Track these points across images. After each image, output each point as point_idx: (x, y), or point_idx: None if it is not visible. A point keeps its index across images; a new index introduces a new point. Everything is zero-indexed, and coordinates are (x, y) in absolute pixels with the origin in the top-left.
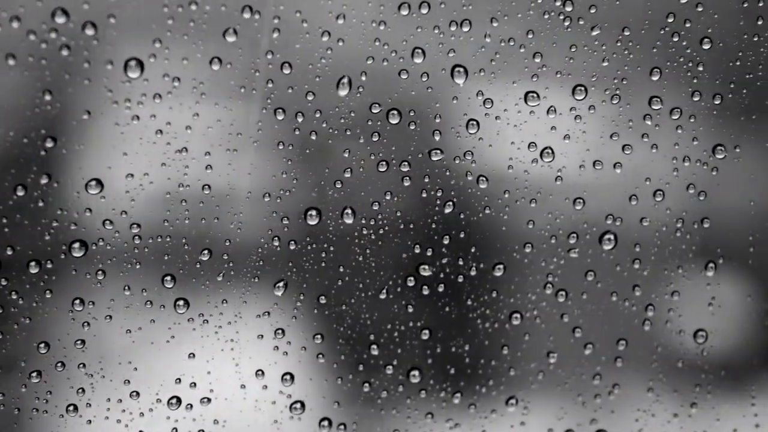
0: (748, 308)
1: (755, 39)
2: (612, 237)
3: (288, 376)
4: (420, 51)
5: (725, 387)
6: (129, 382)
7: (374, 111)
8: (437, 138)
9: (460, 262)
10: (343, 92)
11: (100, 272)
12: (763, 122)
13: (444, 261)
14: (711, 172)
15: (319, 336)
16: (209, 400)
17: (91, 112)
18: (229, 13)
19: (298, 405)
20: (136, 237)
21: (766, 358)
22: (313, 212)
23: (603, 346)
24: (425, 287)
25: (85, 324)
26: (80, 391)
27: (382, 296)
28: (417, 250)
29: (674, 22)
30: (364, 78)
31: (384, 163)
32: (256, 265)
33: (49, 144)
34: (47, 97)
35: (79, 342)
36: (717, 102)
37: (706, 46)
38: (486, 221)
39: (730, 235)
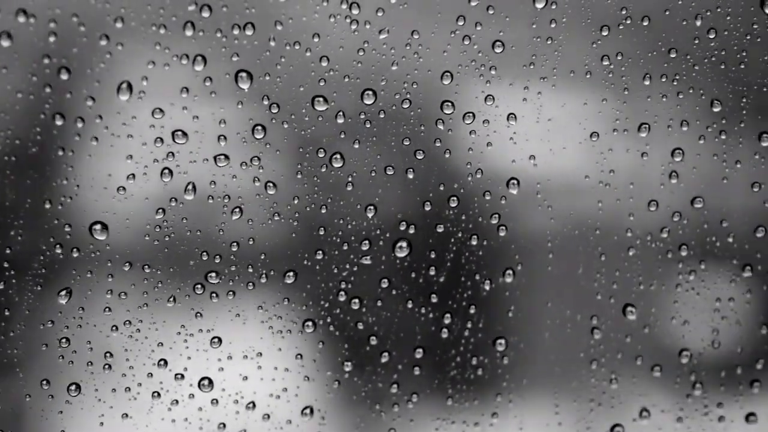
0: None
1: (548, 42)
2: (405, 244)
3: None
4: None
5: (529, 395)
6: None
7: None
8: None
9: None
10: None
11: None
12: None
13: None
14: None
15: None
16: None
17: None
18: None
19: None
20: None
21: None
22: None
23: (400, 354)
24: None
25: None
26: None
27: None
28: None
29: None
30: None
31: None
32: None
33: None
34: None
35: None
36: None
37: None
38: (270, 228)
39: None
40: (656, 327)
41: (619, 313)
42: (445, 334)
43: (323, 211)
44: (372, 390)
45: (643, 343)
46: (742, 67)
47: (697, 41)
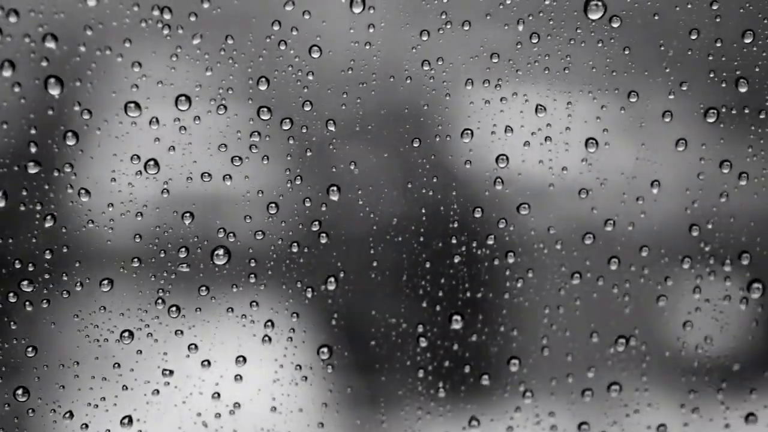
0: None
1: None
2: (222, 252)
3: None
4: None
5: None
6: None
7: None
8: None
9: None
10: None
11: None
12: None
13: None
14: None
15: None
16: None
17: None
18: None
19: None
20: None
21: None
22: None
23: (223, 363)
24: None
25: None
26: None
27: None
28: None
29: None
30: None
31: None
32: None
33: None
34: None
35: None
36: None
37: None
38: (87, 235)
39: None
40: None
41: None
42: (266, 341)
43: (138, 218)
44: (192, 399)
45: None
46: (567, 72)
47: (519, 46)
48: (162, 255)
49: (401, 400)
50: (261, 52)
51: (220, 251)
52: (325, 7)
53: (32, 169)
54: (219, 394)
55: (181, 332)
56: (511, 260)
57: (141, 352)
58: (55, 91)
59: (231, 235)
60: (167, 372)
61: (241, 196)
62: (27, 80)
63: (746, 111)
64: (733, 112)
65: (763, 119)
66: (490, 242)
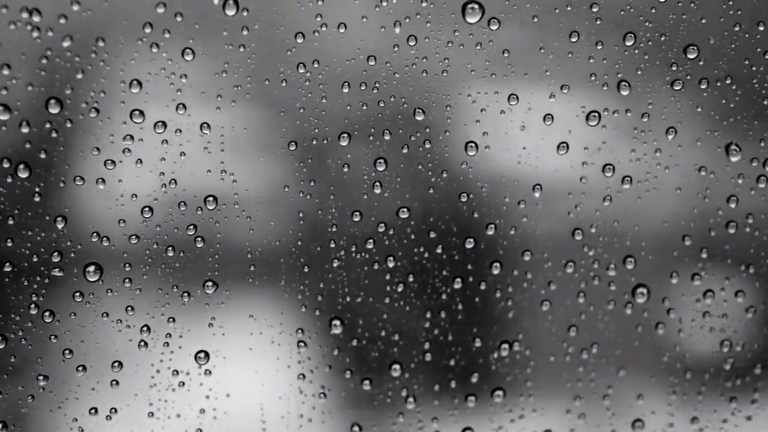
0: None
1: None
2: (93, 269)
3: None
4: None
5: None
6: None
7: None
8: None
9: None
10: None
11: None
12: None
13: None
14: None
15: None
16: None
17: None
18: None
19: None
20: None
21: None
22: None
23: (99, 368)
24: None
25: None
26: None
27: None
28: None
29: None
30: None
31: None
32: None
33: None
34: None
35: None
36: None
37: None
38: None
39: None
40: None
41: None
42: (142, 346)
43: (11, 222)
44: (68, 404)
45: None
46: (445, 74)
47: (397, 48)
48: (35, 259)
49: (281, 405)
50: (133, 55)
51: (91, 268)
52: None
53: None
54: (95, 400)
55: (56, 337)
56: (391, 264)
57: (15, 357)
58: None
59: (105, 239)
60: (42, 377)
61: (114, 199)
62: None
63: (629, 114)
64: (616, 114)
65: (645, 122)
66: (370, 246)
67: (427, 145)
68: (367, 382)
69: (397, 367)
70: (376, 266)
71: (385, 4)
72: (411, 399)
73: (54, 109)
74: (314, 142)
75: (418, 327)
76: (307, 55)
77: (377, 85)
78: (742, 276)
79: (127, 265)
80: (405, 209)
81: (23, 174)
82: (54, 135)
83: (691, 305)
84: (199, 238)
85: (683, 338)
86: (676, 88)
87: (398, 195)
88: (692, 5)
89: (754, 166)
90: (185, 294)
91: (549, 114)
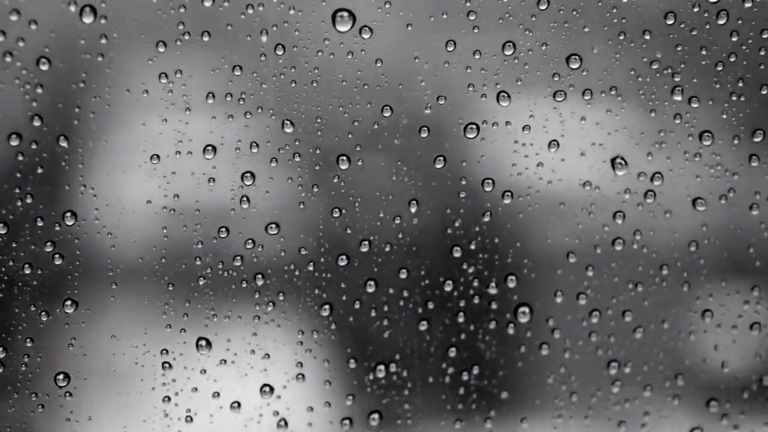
0: None
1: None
2: None
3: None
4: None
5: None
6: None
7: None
8: None
9: None
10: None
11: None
12: None
13: None
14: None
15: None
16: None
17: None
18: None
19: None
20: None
21: None
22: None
23: None
24: None
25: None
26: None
27: None
28: None
29: None
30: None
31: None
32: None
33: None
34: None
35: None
36: None
37: None
38: None
39: None
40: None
41: None
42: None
43: None
44: None
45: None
46: (315, 85)
47: (263, 57)
48: None
49: (146, 428)
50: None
51: None
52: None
53: None
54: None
55: None
56: (260, 282)
57: None
58: None
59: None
60: None
61: None
62: None
63: (508, 126)
64: (495, 127)
65: (526, 134)
66: (237, 263)
67: (297, 159)
68: (236, 405)
69: (266, 388)
70: (244, 284)
71: (251, 11)
72: (282, 422)
73: None
74: (177, 156)
75: (288, 347)
76: (168, 65)
77: (243, 96)
78: (630, 294)
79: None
80: (274, 225)
81: None
82: None
83: (576, 325)
84: (58, 255)
85: (568, 359)
86: (558, 99)
87: (267, 210)
88: (574, 13)
89: (641, 180)
90: (43, 313)
91: (425, 126)
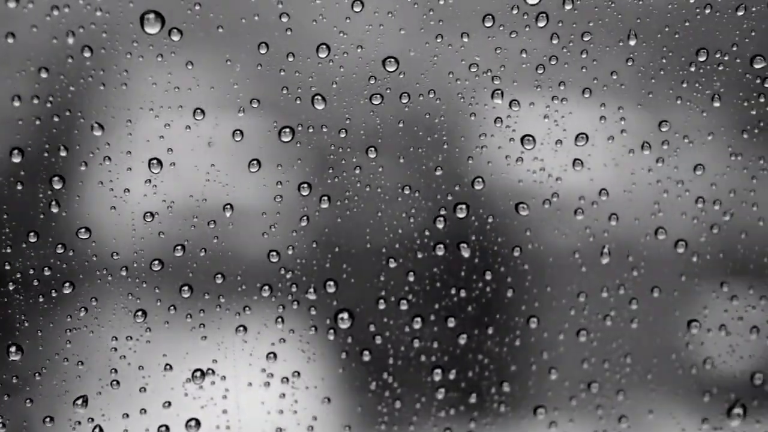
0: None
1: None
2: None
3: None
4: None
5: None
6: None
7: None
8: None
9: None
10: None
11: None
12: None
13: None
14: None
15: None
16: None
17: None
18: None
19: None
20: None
21: None
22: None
23: None
24: None
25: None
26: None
27: None
28: None
29: None
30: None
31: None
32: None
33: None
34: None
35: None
36: None
37: None
38: None
39: None
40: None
41: None
42: None
43: None
44: None
45: None
46: (124, 88)
47: (71, 60)
48: None
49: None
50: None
51: None
52: None
53: None
54: None
55: None
56: (67, 291)
57: None
58: None
59: None
60: None
61: None
62: None
63: (324, 129)
64: (311, 130)
65: (343, 138)
66: (47, 273)
67: (107, 162)
68: (49, 419)
69: (80, 401)
70: (54, 293)
71: (56, 13)
72: (97, 429)
73: None
74: None
75: (102, 354)
76: None
77: (51, 99)
78: (453, 299)
79: None
80: (84, 229)
81: None
82: None
83: (399, 331)
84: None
85: (391, 365)
86: (375, 102)
87: (77, 214)
88: (390, 15)
89: (456, 189)
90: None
91: (238, 130)
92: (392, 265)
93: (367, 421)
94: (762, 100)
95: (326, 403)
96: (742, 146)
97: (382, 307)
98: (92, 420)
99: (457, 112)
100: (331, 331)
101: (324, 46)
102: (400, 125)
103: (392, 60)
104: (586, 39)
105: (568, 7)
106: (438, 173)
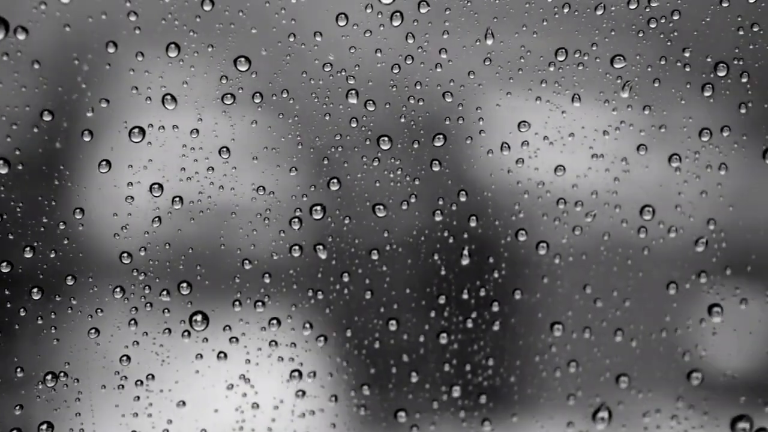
0: None
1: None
2: None
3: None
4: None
5: None
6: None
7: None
8: None
9: None
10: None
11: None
12: None
13: None
14: None
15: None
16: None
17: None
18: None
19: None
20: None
21: None
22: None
23: None
24: None
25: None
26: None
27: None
28: None
29: None
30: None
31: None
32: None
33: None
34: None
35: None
36: None
37: None
38: None
39: None
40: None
41: None
42: None
43: None
44: None
45: None
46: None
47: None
48: None
49: None
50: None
51: None
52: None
53: None
54: None
55: None
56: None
57: None
58: None
59: None
60: None
61: None
62: None
63: (176, 129)
64: (161, 130)
65: (195, 138)
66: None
67: None
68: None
69: None
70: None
71: None
72: None
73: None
74: None
75: None
76: None
77: None
78: (311, 302)
79: None
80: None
81: None
82: None
83: (256, 333)
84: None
85: (252, 369)
86: (227, 102)
87: None
88: (240, 14)
89: (312, 191)
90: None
91: (87, 130)
92: (247, 267)
93: (224, 422)
94: (624, 97)
95: (181, 407)
96: (604, 147)
97: (237, 309)
98: None
99: (312, 112)
100: (186, 333)
101: (174, 46)
102: (253, 126)
103: (243, 59)
104: (445, 38)
105: (423, 10)
106: (293, 174)
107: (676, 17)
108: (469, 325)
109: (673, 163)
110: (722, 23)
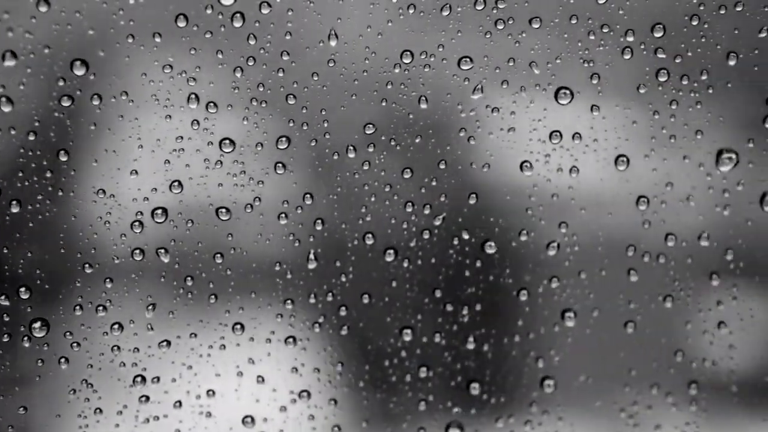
0: None
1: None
2: None
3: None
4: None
5: None
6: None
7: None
8: None
9: None
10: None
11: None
12: None
13: None
14: None
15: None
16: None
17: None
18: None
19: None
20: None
21: None
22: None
23: None
24: None
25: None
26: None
27: None
28: None
29: None
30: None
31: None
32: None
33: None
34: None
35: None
36: None
37: None
38: None
39: None
40: None
41: None
42: None
43: None
44: None
45: None
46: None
47: None
48: None
49: None
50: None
51: None
52: None
53: None
54: None
55: None
56: None
57: None
58: None
59: None
60: None
61: None
62: None
63: (13, 132)
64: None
65: (33, 140)
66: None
67: None
68: None
69: None
70: None
71: None
72: None
73: None
74: None
75: None
76: None
77: None
78: (153, 306)
79: None
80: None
81: None
82: None
83: (98, 339)
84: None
85: (94, 374)
86: (65, 104)
87: None
88: (77, 15)
89: (153, 193)
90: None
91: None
92: (88, 270)
93: (66, 428)
94: (475, 97)
95: (23, 412)
96: (452, 149)
97: (79, 313)
98: None
99: (152, 114)
100: (26, 338)
101: (9, 53)
102: (92, 128)
103: (80, 62)
104: (287, 39)
105: (264, 11)
106: (133, 177)
107: (526, 18)
108: (317, 330)
109: (526, 171)
110: (569, 26)
